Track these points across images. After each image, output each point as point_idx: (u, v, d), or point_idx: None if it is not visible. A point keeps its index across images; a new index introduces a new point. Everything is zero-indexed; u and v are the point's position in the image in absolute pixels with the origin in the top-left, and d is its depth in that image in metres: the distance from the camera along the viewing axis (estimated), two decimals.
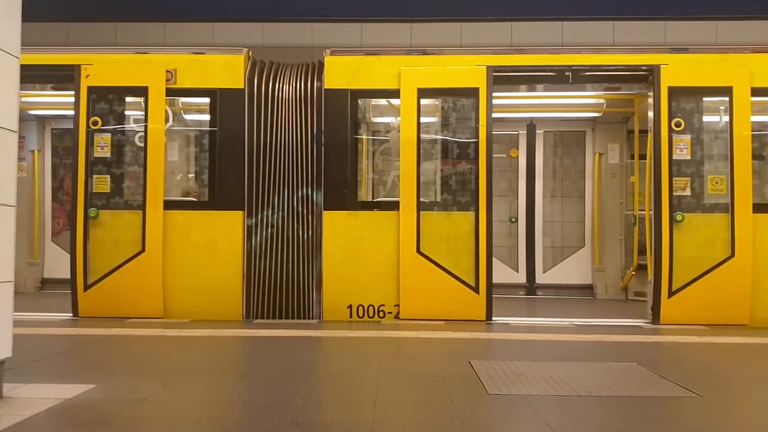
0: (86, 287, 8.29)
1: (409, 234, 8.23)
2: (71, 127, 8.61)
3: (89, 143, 8.41)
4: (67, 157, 11.29)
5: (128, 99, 8.61)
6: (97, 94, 8.45)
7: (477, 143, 8.30)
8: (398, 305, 8.23)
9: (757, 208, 8.18)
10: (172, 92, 8.53)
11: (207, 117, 8.74)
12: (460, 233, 8.29)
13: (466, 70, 8.41)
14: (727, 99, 8.27)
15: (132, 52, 8.77)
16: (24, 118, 10.89)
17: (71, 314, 8.32)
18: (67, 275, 8.51)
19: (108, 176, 8.45)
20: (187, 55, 8.61)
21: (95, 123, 8.41)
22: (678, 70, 8.30)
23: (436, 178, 8.59)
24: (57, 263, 11.30)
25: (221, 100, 8.47)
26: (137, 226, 8.34)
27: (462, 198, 8.39)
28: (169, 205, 8.39)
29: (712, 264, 8.17)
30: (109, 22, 12.46)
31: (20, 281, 11.01)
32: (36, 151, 11.45)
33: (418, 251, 8.22)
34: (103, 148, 8.44)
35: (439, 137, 8.56)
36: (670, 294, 8.16)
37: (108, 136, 8.46)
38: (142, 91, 8.45)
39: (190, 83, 8.50)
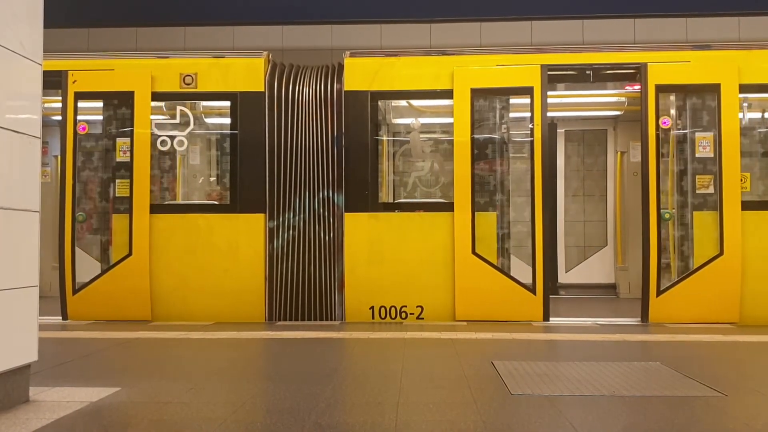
0: (74, 291, 8.49)
1: (464, 235, 8.22)
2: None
3: (76, 148, 8.58)
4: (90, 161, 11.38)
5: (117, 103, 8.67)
6: (83, 98, 8.62)
7: (532, 143, 8.26)
8: (420, 306, 8.23)
9: (746, 205, 8.07)
10: (193, 96, 8.59)
11: (228, 120, 8.79)
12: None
13: (520, 70, 8.36)
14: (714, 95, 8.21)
15: (153, 57, 8.82)
16: (47, 124, 11.00)
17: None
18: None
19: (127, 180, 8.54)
20: (208, 59, 8.65)
21: (83, 128, 8.60)
22: (665, 69, 8.25)
23: (491, 179, 8.57)
24: (82, 267, 11.40)
25: (242, 103, 8.50)
26: (125, 230, 8.45)
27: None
28: (191, 208, 8.45)
29: (701, 262, 8.12)
30: (130, 27, 12.54)
31: (45, 285, 11.11)
32: (59, 157, 11.54)
33: (474, 252, 8.21)
34: (125, 152, 8.52)
35: (497, 137, 8.55)
36: (659, 293, 8.11)
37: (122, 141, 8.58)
38: (128, 96, 8.52)
39: (210, 87, 8.55)
